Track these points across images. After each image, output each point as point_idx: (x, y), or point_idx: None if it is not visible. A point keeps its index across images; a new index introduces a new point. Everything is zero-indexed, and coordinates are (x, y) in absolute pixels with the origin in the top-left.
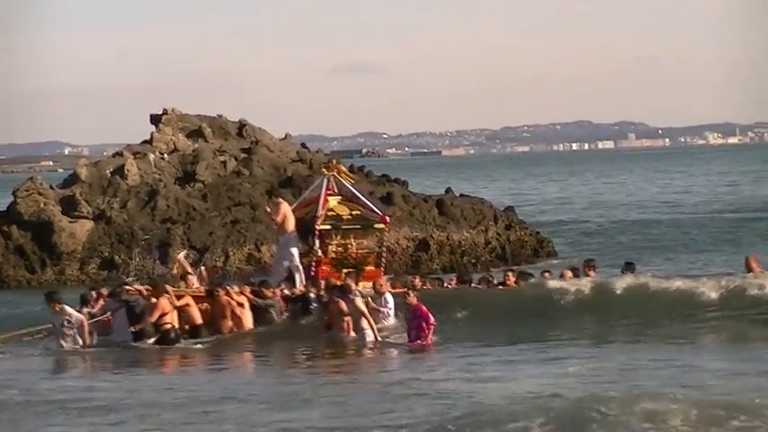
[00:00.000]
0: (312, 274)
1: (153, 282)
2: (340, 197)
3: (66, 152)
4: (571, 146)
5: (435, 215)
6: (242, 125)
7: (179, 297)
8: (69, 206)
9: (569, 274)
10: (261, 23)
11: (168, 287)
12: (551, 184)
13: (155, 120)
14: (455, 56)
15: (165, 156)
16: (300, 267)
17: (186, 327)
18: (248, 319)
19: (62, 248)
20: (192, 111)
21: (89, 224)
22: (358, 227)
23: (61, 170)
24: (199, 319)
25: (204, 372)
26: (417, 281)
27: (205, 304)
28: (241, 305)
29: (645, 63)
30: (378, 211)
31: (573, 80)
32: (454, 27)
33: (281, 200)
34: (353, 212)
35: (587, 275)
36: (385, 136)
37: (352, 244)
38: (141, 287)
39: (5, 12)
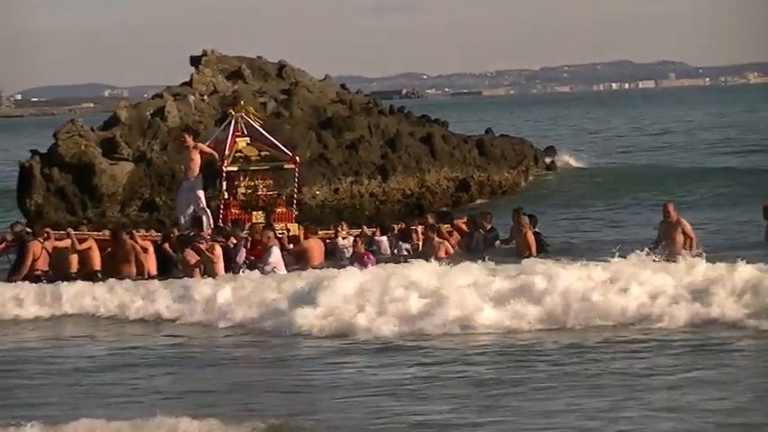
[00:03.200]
0: (221, 216)
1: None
2: (249, 138)
3: (107, 94)
4: (611, 85)
5: (475, 155)
6: (281, 66)
7: (81, 240)
8: (109, 148)
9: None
10: None
11: (69, 231)
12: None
13: (194, 61)
14: None
15: (205, 97)
16: (208, 210)
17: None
18: (152, 266)
19: (103, 190)
20: (231, 52)
21: (129, 166)
22: (266, 167)
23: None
24: (97, 265)
25: None
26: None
27: (109, 249)
28: (145, 250)
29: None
30: (287, 151)
31: (613, 20)
32: None
33: (190, 140)
34: (262, 153)
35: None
36: (425, 76)
37: (261, 185)
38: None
39: None
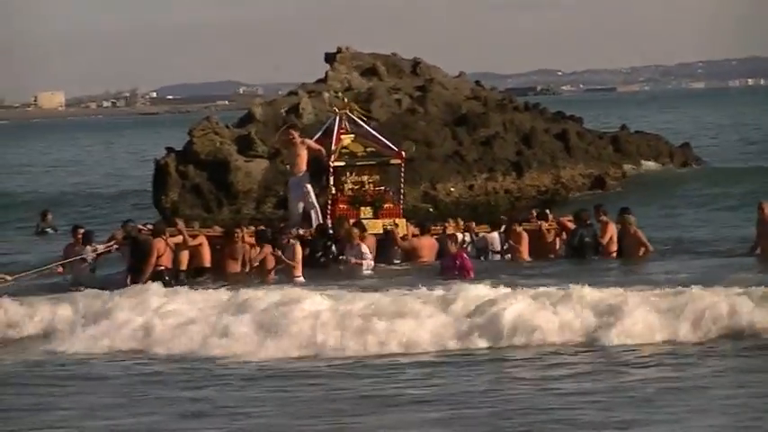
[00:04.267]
0: (329, 212)
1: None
2: (354, 135)
3: (241, 91)
4: (747, 81)
5: (611, 152)
6: (416, 63)
7: (194, 237)
8: (244, 145)
9: None
10: None
11: (181, 228)
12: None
13: (329, 58)
14: None
15: (340, 94)
16: (317, 205)
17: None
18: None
19: (238, 187)
20: (366, 49)
21: (264, 163)
22: (373, 163)
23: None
24: (207, 262)
25: None
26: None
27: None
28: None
29: None
30: (393, 147)
31: (746, 15)
32: None
33: (297, 137)
34: (368, 149)
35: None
36: (559, 73)
37: (368, 181)
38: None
39: None
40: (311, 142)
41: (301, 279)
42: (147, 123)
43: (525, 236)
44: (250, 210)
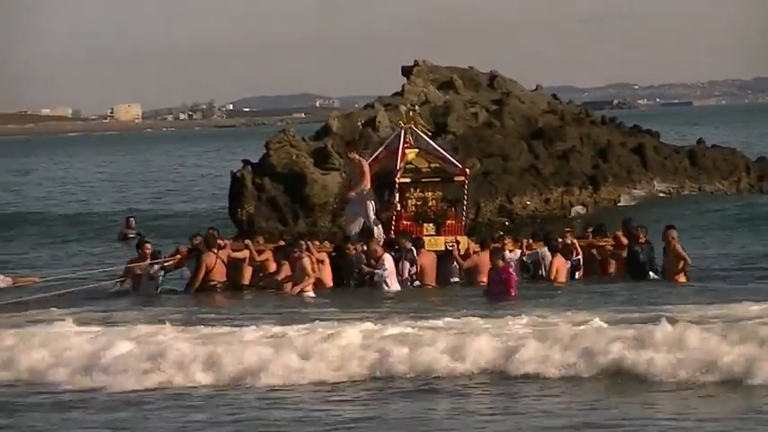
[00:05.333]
0: (392, 228)
1: (205, 237)
2: (417, 149)
3: (317, 104)
4: None
5: (687, 166)
6: (493, 76)
7: (259, 252)
8: (321, 158)
9: None
10: None
11: (248, 243)
12: None
13: (406, 71)
14: (705, 3)
15: (417, 107)
16: (379, 222)
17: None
18: (327, 278)
19: (314, 200)
20: (442, 62)
21: (341, 176)
22: (437, 179)
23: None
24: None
25: None
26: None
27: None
28: (321, 262)
29: None
30: (456, 162)
31: None
32: None
33: (356, 155)
34: (432, 165)
35: None
36: (636, 87)
37: (431, 197)
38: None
39: None
40: (366, 165)
41: (311, 294)
42: (222, 136)
43: (561, 259)
44: (326, 223)
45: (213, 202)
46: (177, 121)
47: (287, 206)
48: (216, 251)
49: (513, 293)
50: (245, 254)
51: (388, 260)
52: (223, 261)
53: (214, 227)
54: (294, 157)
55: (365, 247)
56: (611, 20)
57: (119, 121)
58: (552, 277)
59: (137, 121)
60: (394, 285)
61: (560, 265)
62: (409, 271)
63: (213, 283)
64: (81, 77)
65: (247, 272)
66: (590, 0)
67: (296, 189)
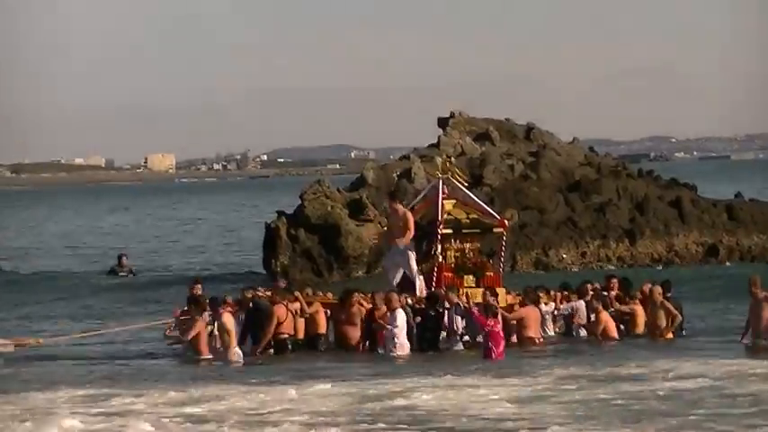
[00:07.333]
0: (434, 280)
1: (272, 289)
2: (455, 200)
3: (353, 155)
4: None
5: (725, 220)
6: (529, 129)
7: (309, 304)
8: (356, 209)
9: None
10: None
11: (296, 294)
12: None
13: (442, 123)
14: (743, 55)
15: (453, 159)
16: (420, 275)
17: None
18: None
19: (349, 252)
20: (479, 114)
21: (376, 228)
22: (477, 231)
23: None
24: (323, 329)
25: None
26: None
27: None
28: (316, 312)
29: None
30: (494, 214)
31: None
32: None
33: (400, 206)
34: (471, 216)
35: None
36: (673, 140)
37: (469, 248)
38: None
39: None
40: (410, 216)
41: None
42: (257, 186)
43: (605, 314)
44: (361, 274)
45: (247, 254)
46: (211, 171)
47: (321, 257)
48: (286, 303)
49: (498, 356)
50: (296, 306)
51: (400, 315)
52: (293, 313)
53: (252, 286)
54: (329, 208)
55: (408, 300)
56: (647, 72)
57: (152, 171)
58: (598, 332)
59: (170, 171)
60: (402, 343)
61: (608, 320)
62: (462, 327)
63: (283, 335)
64: (112, 126)
65: (300, 324)
66: (623, 53)
67: (330, 240)
